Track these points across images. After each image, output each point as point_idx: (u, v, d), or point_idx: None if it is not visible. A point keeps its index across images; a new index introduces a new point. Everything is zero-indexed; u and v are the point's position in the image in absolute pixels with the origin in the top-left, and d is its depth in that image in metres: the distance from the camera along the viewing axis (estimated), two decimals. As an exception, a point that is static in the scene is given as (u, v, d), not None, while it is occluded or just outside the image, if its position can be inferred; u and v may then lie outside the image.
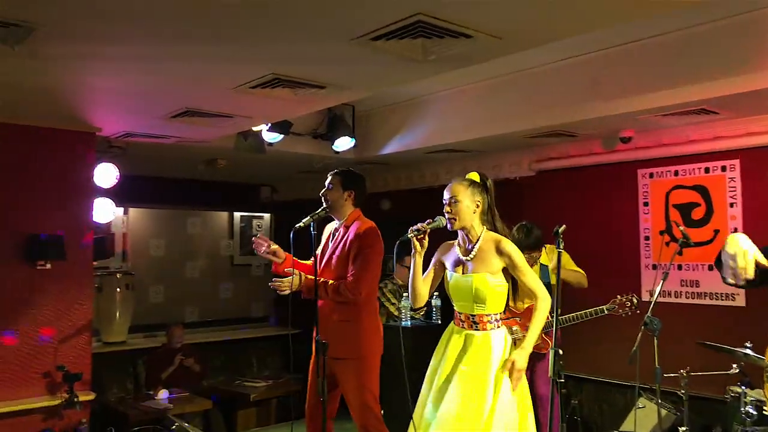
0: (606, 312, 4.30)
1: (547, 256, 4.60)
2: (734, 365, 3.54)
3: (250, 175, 7.78)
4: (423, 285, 3.16)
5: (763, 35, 3.55)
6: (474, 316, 3.03)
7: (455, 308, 3.13)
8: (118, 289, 7.10)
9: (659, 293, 3.68)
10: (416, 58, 3.02)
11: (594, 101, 4.39)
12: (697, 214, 4.78)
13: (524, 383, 2.96)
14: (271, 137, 5.34)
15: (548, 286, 4.48)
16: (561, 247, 2.59)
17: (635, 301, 4.24)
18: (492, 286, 2.98)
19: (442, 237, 3.28)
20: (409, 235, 3.00)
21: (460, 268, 3.10)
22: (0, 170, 4.34)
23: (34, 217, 4.44)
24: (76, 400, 4.38)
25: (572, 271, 4.57)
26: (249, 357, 8.02)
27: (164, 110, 4.17)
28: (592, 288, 4.69)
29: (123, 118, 4.52)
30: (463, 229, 3.10)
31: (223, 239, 8.51)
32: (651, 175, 5.04)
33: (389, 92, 5.58)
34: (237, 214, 8.61)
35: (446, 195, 3.10)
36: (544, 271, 4.57)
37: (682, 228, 3.89)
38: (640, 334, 3.61)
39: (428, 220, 3.03)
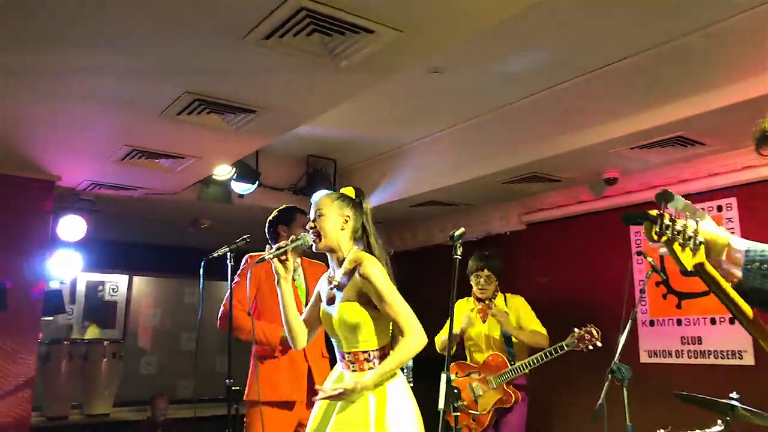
0: (566, 348, 3.78)
1: (507, 305, 4.16)
2: (719, 421, 2.94)
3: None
4: (299, 322, 2.58)
5: (730, 48, 3.21)
6: (349, 353, 2.46)
7: (335, 348, 2.60)
8: (104, 359, 6.86)
9: (624, 341, 3.15)
10: (326, 63, 2.79)
11: (565, 135, 4.05)
12: (695, 261, 4.24)
13: None
14: (241, 189, 5.15)
15: (511, 356, 4.01)
16: (458, 253, 2.17)
17: (595, 332, 3.73)
18: (360, 315, 2.42)
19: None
20: (266, 256, 2.45)
21: (330, 298, 2.55)
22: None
23: (-22, 264, 4.29)
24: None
25: (531, 332, 4.04)
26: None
27: (109, 149, 4.04)
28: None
29: (75, 164, 4.42)
30: (330, 250, 2.55)
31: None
32: (643, 221, 4.56)
33: (370, 145, 5.41)
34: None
35: (311, 210, 2.59)
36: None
37: (651, 259, 3.38)
38: (607, 384, 3.06)
39: (292, 237, 2.56)
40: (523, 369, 3.89)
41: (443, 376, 2.03)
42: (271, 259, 2.46)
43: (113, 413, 6.85)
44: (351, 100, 3.41)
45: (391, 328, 2.50)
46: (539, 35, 3.45)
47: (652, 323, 4.44)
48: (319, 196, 2.63)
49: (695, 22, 3.28)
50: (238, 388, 3.09)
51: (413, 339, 2.35)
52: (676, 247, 1.42)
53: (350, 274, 2.49)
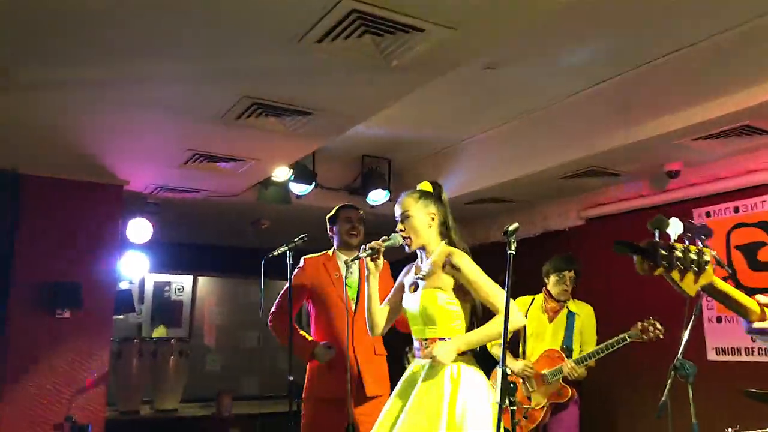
0: (629, 340, 3.73)
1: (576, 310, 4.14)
2: (791, 420, 2.83)
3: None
4: (379, 310, 2.71)
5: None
6: (426, 340, 2.55)
7: (413, 336, 2.69)
8: (172, 356, 7.10)
9: (688, 337, 3.07)
10: (378, 63, 2.83)
11: (624, 127, 3.97)
12: (765, 255, 4.09)
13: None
14: (298, 189, 5.26)
15: (569, 351, 3.97)
16: (513, 248, 2.18)
17: (659, 324, 3.66)
18: (442, 303, 2.52)
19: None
20: (361, 255, 2.61)
21: (413, 288, 2.68)
22: (23, 220, 4.50)
23: (55, 266, 4.52)
24: (80, 453, 4.25)
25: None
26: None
27: (173, 154, 4.20)
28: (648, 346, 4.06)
29: (142, 168, 4.61)
30: (421, 248, 2.66)
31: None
32: (708, 214, 4.43)
33: (425, 143, 5.43)
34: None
35: (397, 211, 2.69)
36: (570, 321, 4.03)
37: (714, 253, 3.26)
38: (670, 381, 2.98)
39: (383, 237, 2.66)
40: (582, 363, 3.84)
41: (499, 371, 2.04)
42: (365, 258, 2.61)
43: (181, 408, 7.08)
44: (405, 99, 3.44)
45: (470, 317, 2.58)
46: (596, 27, 3.39)
47: (719, 320, 4.30)
48: (402, 197, 2.71)
49: (758, 7, 3.16)
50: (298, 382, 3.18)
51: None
52: (675, 275, 1.34)
53: (439, 265, 2.58)
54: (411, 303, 2.62)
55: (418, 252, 2.70)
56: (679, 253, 1.33)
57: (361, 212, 3.69)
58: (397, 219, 2.68)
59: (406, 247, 2.65)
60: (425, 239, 2.64)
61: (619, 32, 3.47)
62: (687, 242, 1.37)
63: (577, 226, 5.38)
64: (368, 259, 2.62)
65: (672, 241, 1.33)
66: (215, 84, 3.13)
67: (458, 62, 2.91)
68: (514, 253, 2.16)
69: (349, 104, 3.39)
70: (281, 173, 4.98)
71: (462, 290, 2.54)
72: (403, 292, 2.76)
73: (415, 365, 2.61)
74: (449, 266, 2.54)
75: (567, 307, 4.09)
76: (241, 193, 5.20)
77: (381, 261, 2.64)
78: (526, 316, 4.19)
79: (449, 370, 2.46)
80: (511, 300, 2.39)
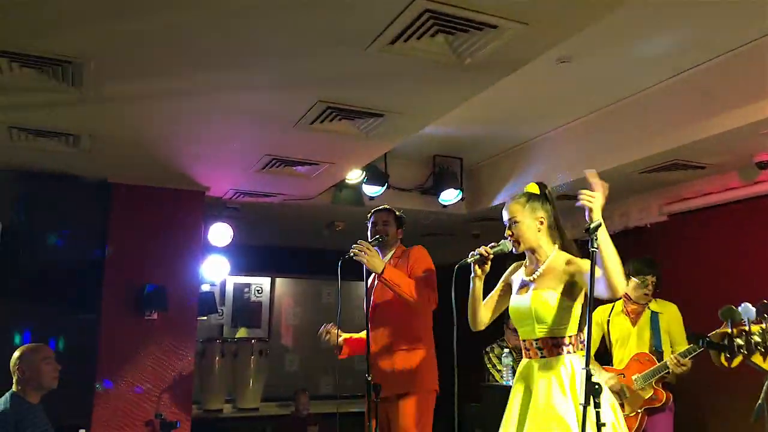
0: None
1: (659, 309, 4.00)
2: None
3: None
4: (483, 307, 2.77)
5: None
6: (538, 340, 2.56)
7: (520, 337, 2.70)
8: (252, 356, 7.30)
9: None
10: (451, 62, 2.82)
11: (708, 118, 3.79)
12: None
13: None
14: (371, 191, 5.31)
15: (658, 353, 3.81)
16: (596, 246, 2.13)
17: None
18: (553, 304, 2.51)
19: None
20: (469, 260, 2.66)
21: (524, 290, 2.68)
22: (113, 227, 4.75)
23: (143, 270, 4.75)
24: (171, 449, 4.44)
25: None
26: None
27: (251, 159, 4.33)
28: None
29: (222, 174, 4.77)
30: (530, 250, 2.68)
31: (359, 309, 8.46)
32: (804, 207, 4.18)
33: (497, 141, 5.37)
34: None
35: (504, 217, 2.72)
36: (654, 321, 3.88)
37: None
38: (767, 383, 2.83)
39: (492, 244, 2.69)
40: (689, 356, 3.64)
41: (583, 372, 2.01)
42: (473, 263, 2.66)
43: (262, 407, 7.27)
44: (476, 96, 3.42)
45: (579, 318, 2.55)
46: (675, 14, 3.26)
47: (819, 318, 4.04)
48: (509, 202, 2.72)
49: None
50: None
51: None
52: (757, 359, 1.29)
53: (555, 270, 2.57)
54: (521, 303, 2.63)
55: (526, 253, 2.70)
56: (757, 337, 1.29)
57: (398, 212, 3.79)
58: (505, 224, 2.70)
59: (514, 249, 2.67)
60: (535, 243, 2.64)
61: (699, 18, 3.32)
62: (765, 323, 1.31)
63: (659, 222, 5.17)
64: (475, 265, 2.66)
65: (747, 326, 1.28)
66: (292, 90, 3.20)
67: (531, 57, 2.86)
68: (597, 250, 2.11)
69: (421, 105, 3.40)
70: (354, 175, 5.05)
71: (571, 292, 2.52)
72: (509, 289, 2.79)
73: (524, 366, 2.62)
74: (568, 271, 2.53)
75: (649, 308, 3.95)
76: (316, 196, 5.30)
77: (488, 266, 2.67)
78: (607, 324, 4.08)
79: (564, 368, 2.46)
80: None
